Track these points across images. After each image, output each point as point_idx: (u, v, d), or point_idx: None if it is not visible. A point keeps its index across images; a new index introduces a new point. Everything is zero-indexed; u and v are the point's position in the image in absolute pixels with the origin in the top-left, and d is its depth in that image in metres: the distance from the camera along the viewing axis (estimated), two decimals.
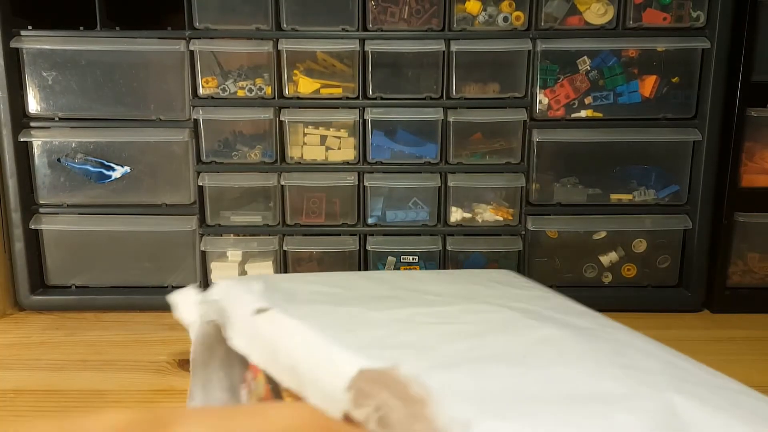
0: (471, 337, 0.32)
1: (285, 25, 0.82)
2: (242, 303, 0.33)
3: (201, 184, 0.85)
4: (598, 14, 0.81)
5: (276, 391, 0.23)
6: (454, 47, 0.82)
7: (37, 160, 0.85)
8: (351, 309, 0.34)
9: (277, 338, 0.28)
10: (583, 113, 0.84)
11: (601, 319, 0.40)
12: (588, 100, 0.84)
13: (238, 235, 0.89)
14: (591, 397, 0.24)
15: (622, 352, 0.31)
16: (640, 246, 0.88)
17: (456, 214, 0.87)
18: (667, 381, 0.27)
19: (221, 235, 0.88)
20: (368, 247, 0.87)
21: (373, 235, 0.87)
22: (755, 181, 0.85)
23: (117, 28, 0.83)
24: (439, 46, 0.82)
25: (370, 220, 0.88)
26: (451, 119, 0.84)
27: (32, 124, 0.84)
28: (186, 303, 0.38)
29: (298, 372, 0.24)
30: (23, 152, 0.84)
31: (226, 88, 0.84)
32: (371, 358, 0.22)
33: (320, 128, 0.85)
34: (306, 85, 0.84)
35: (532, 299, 0.43)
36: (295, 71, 0.84)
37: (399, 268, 0.88)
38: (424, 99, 0.84)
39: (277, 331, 0.29)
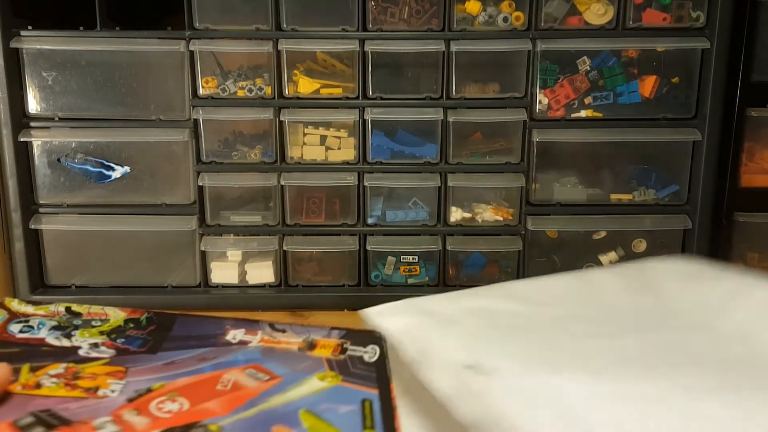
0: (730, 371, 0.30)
1: (285, 25, 0.82)
2: (442, 346, 0.32)
3: (201, 184, 0.85)
4: (598, 14, 0.81)
5: None
6: (454, 47, 0.81)
7: (37, 160, 0.85)
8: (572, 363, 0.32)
9: (496, 414, 0.27)
10: (583, 113, 0.84)
11: None
12: (588, 100, 0.84)
13: (238, 235, 0.89)
14: None
15: None
16: (640, 246, 0.88)
17: (456, 214, 0.87)
18: None
19: (221, 235, 0.88)
20: (368, 247, 0.87)
21: (373, 234, 0.87)
22: (755, 181, 0.85)
23: (117, 28, 0.83)
24: (439, 46, 0.82)
25: (370, 220, 0.88)
26: (451, 119, 0.83)
27: (32, 124, 0.84)
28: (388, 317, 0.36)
29: None
30: (23, 152, 0.84)
31: (226, 88, 0.84)
32: None
33: (320, 128, 0.85)
34: (306, 85, 0.84)
35: (739, 306, 0.40)
36: (295, 71, 0.84)
37: (399, 268, 0.88)
38: (424, 99, 0.84)
39: (495, 405, 0.28)
